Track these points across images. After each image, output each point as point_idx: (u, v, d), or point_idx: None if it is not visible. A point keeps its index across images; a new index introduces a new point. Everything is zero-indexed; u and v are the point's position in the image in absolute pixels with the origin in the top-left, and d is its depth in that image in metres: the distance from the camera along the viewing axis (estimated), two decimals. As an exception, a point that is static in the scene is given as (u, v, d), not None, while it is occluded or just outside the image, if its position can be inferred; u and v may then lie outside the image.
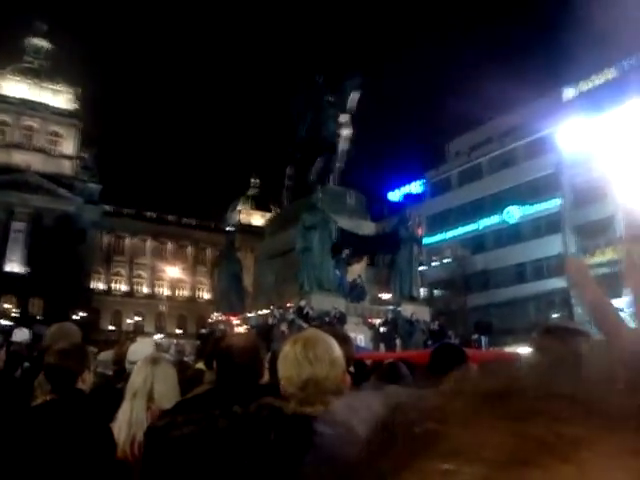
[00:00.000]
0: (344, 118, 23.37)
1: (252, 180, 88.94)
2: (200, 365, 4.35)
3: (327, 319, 17.13)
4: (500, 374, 0.31)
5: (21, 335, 9.05)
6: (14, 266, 64.33)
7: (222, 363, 2.55)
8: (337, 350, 2.10)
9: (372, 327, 19.19)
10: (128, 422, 2.95)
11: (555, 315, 39.66)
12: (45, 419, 2.74)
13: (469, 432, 0.28)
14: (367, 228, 22.85)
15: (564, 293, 41.01)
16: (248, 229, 71.73)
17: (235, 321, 20.97)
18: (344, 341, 2.82)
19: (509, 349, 26.53)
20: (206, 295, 76.13)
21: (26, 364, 6.04)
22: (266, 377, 2.68)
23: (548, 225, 44.35)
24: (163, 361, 3.28)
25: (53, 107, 72.63)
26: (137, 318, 71.50)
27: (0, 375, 3.97)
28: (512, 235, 46.39)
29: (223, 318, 22.08)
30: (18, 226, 65.03)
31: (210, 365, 3.14)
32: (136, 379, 3.08)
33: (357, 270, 21.44)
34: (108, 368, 4.99)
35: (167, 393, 3.05)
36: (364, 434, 0.33)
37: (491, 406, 0.29)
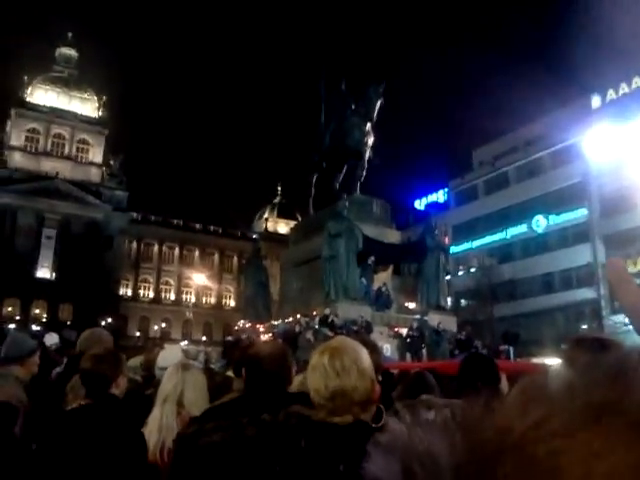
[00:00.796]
0: (368, 126, 23.37)
1: (278, 188, 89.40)
2: (229, 373, 4.38)
3: (354, 327, 17.10)
4: (606, 383, 0.29)
5: (51, 340, 9.19)
6: (45, 272, 65.47)
7: (250, 370, 2.57)
8: (366, 359, 2.09)
9: (398, 336, 19.08)
10: (158, 427, 2.99)
11: (584, 326, 39.06)
12: (80, 423, 2.79)
13: (590, 449, 0.26)
14: (392, 236, 22.80)
15: (593, 304, 40.39)
16: (274, 237, 72.02)
17: (261, 329, 21.06)
18: (373, 350, 2.82)
19: (537, 360, 26.18)
20: (232, 302, 76.57)
21: (57, 369, 6.15)
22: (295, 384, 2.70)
23: (576, 235, 43.73)
24: (193, 368, 3.32)
25: (81, 115, 74.03)
26: (164, 325, 72.13)
27: (35, 379, 4.05)
28: (539, 245, 45.84)
29: (249, 326, 22.18)
30: (48, 232, 66.22)
31: (238, 373, 3.17)
32: (167, 385, 3.13)
33: (382, 279, 21.38)
34: (137, 374, 5.06)
35: (197, 400, 3.09)
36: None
37: (611, 416, 0.27)
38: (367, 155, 23.45)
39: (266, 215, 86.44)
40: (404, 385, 4.44)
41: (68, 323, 57.73)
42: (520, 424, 0.29)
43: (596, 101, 46.49)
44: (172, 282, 76.23)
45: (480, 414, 0.32)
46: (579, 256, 42.37)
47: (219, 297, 77.64)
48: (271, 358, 2.55)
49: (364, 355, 2.10)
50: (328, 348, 2.13)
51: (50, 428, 2.91)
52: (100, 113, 75.46)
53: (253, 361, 2.57)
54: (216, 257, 78.47)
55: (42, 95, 72.99)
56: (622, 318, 37.56)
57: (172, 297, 75.79)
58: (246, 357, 2.71)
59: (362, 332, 16.34)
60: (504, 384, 3.61)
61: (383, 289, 20.69)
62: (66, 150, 72.81)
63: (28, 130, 71.60)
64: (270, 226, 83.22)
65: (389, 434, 0.33)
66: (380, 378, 3.23)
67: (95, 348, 3.31)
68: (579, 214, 43.95)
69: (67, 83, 75.04)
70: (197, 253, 77.00)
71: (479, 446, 0.29)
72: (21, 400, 3.50)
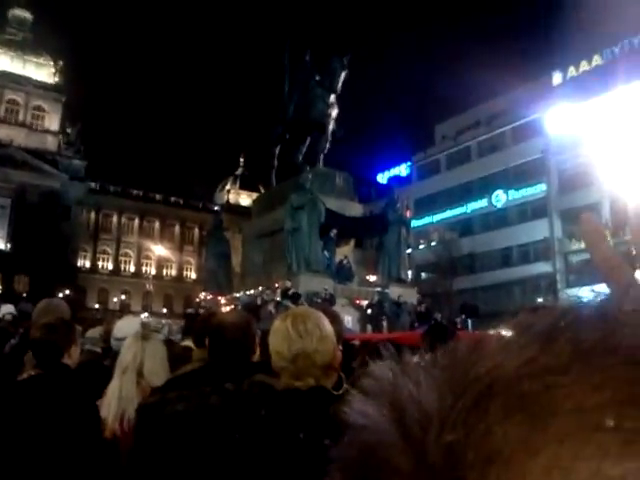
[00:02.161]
0: (332, 98, 23.20)
1: (240, 160, 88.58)
2: (187, 343, 4.33)
3: (317, 300, 17.17)
4: (593, 328, 0.30)
5: (5, 310, 8.98)
6: (-1, 243, 63.84)
7: (214, 340, 2.54)
8: (328, 326, 2.11)
9: (359, 308, 19.24)
10: (118, 398, 2.94)
11: (540, 299, 40.08)
12: (30, 394, 2.72)
13: (586, 383, 0.27)
14: (355, 210, 22.82)
15: (550, 278, 41.46)
16: (236, 209, 71.51)
17: (222, 301, 20.97)
18: (334, 319, 2.82)
19: (493, 332, 26.73)
20: (193, 275, 76.08)
21: (13, 340, 6.01)
22: (257, 355, 2.68)
23: (534, 210, 44.63)
24: (153, 338, 3.27)
25: (36, 81, 71.50)
26: (123, 297, 71.32)
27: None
28: (499, 219, 46.66)
29: (210, 298, 22.07)
30: (2, 202, 64.36)
31: (199, 343, 3.12)
32: (126, 355, 3.07)
33: (344, 252, 21.45)
34: (96, 345, 4.97)
35: (157, 370, 3.04)
36: (430, 402, 0.29)
37: (600, 356, 0.28)
38: (331, 127, 23.31)
39: (228, 187, 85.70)
40: (364, 356, 4.48)
41: (24, 295, 56.52)
42: (512, 361, 0.30)
43: (557, 78, 47.14)
44: (132, 254, 75.22)
45: (468, 353, 0.32)
46: (537, 231, 43.32)
47: (180, 269, 77.06)
48: (235, 327, 2.52)
49: (326, 322, 2.12)
50: (290, 314, 2.17)
51: (1, 399, 2.83)
52: (56, 79, 73.02)
53: (217, 330, 2.53)
54: (177, 229, 77.66)
55: (-6, 59, 70.19)
56: (577, 292, 38.69)
57: (132, 269, 74.87)
58: (209, 326, 2.67)
59: (325, 304, 16.44)
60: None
61: (345, 262, 20.77)
62: (20, 117, 70.41)
63: (-21, 96, 69.00)
64: (232, 198, 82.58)
65: (373, 378, 0.32)
66: (341, 348, 3.24)
67: (47, 317, 3.22)
68: (538, 190, 44.78)
69: (21, 46, 72.19)
70: (157, 224, 76.05)
71: (470, 384, 0.29)
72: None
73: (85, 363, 3.25)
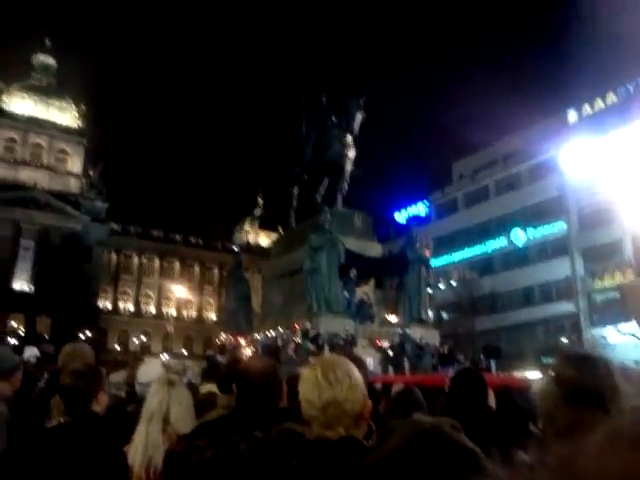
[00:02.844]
0: (349, 138, 23.46)
1: (259, 200, 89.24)
2: (209, 387, 4.32)
3: (338, 341, 17.07)
4: None
5: (30, 353, 9.04)
6: (22, 284, 64.51)
7: (241, 387, 2.54)
8: (357, 374, 2.11)
9: (380, 350, 19.07)
10: (144, 445, 2.94)
11: (564, 340, 39.38)
12: (60, 441, 2.73)
13: None
14: (374, 250, 22.82)
15: (573, 317, 40.80)
16: (255, 249, 71.85)
17: (243, 342, 20.91)
18: (360, 365, 2.81)
19: (518, 374, 26.36)
20: (213, 315, 76.08)
21: (39, 384, 6.04)
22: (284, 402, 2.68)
23: (555, 248, 44.18)
24: (179, 384, 3.28)
25: (59, 124, 73.32)
26: (144, 338, 71.36)
27: (17, 396, 3.96)
28: (519, 258, 46.22)
29: (231, 339, 22.03)
30: (26, 244, 65.31)
31: (224, 389, 3.13)
32: (152, 402, 3.08)
33: (364, 292, 21.38)
34: (120, 390, 4.99)
35: (183, 416, 3.05)
36: None
37: None
38: (348, 168, 23.52)
39: (247, 227, 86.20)
40: (391, 401, 4.42)
41: (46, 336, 56.80)
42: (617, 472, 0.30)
43: (572, 116, 47.26)
44: (152, 295, 75.56)
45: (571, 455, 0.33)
46: (558, 269, 42.81)
47: (200, 310, 77.10)
48: (261, 374, 2.53)
49: (355, 370, 2.12)
50: (320, 362, 2.16)
51: (30, 446, 2.85)
52: (79, 122, 74.84)
53: (244, 377, 2.54)
54: (197, 269, 78.03)
55: (20, 103, 72.15)
56: (601, 331, 38.01)
57: (152, 310, 75.09)
58: (236, 373, 2.68)
59: (347, 346, 16.32)
60: (492, 400, 3.62)
61: (365, 299, 20.71)
62: (44, 160, 72.00)
63: (5, 139, 70.73)
64: (251, 238, 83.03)
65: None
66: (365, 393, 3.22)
67: (75, 363, 3.25)
68: (557, 228, 44.44)
69: (45, 91, 74.31)
70: (177, 265, 76.50)
71: None
72: (4, 417, 3.43)
73: (111, 409, 3.26)
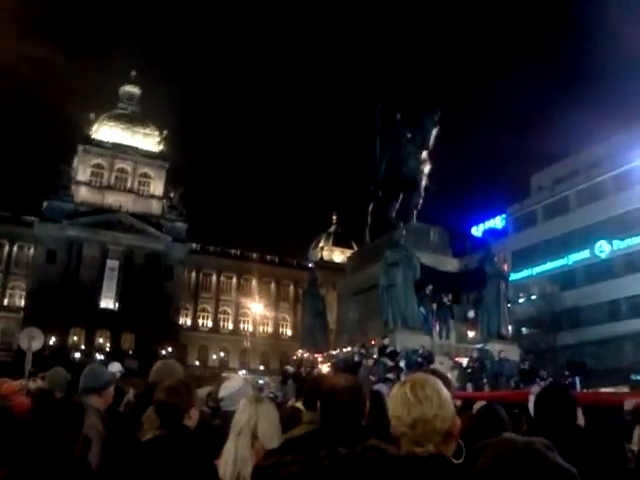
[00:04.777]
0: (424, 154, 23.28)
1: (333, 217, 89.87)
2: (294, 403, 4.38)
3: (416, 358, 16.90)
4: None
5: (114, 369, 9.43)
6: (108, 302, 67.43)
7: (326, 403, 2.59)
8: (446, 392, 2.12)
9: (459, 366, 18.71)
10: (234, 459, 3.04)
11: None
12: (156, 454, 2.86)
13: None
14: (450, 264, 22.51)
15: (664, 332, 38.67)
16: (330, 266, 72.20)
17: (319, 359, 21.01)
18: (445, 382, 2.81)
19: (606, 390, 25.09)
20: (288, 331, 76.87)
21: (126, 398, 6.31)
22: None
23: (643, 260, 42.16)
24: (265, 400, 3.37)
25: (143, 150, 76.87)
26: (222, 354, 72.85)
27: (109, 410, 4.17)
28: (604, 270, 44.34)
29: (307, 355, 22.17)
30: (111, 264, 68.37)
31: (309, 405, 3.18)
32: (241, 417, 3.18)
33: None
34: (203, 405, 5.13)
35: (270, 432, 3.13)
36: None
37: None
38: (423, 183, 23.34)
39: (322, 244, 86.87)
40: (473, 418, 4.34)
41: (130, 352, 58.99)
42: None
43: (658, 123, 45.14)
44: (230, 311, 77.19)
45: None
46: (647, 282, 40.79)
47: (276, 326, 78.07)
48: (346, 391, 2.57)
49: (444, 388, 2.13)
50: (409, 379, 2.17)
51: (127, 458, 2.99)
52: (161, 147, 78.10)
53: (329, 394, 2.59)
54: (273, 286, 79.17)
55: (107, 132, 76.21)
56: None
57: (230, 326, 76.66)
58: (321, 390, 2.73)
59: (424, 362, 16.12)
60: (580, 419, 3.48)
61: (445, 300, 20.61)
62: (129, 184, 75.52)
63: (93, 165, 74.72)
64: (326, 255, 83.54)
65: None
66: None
67: (168, 380, 3.40)
68: (645, 239, 42.43)
69: (130, 119, 78.16)
70: (254, 282, 77.88)
71: None
72: (99, 430, 3.61)
73: (199, 424, 3.38)
